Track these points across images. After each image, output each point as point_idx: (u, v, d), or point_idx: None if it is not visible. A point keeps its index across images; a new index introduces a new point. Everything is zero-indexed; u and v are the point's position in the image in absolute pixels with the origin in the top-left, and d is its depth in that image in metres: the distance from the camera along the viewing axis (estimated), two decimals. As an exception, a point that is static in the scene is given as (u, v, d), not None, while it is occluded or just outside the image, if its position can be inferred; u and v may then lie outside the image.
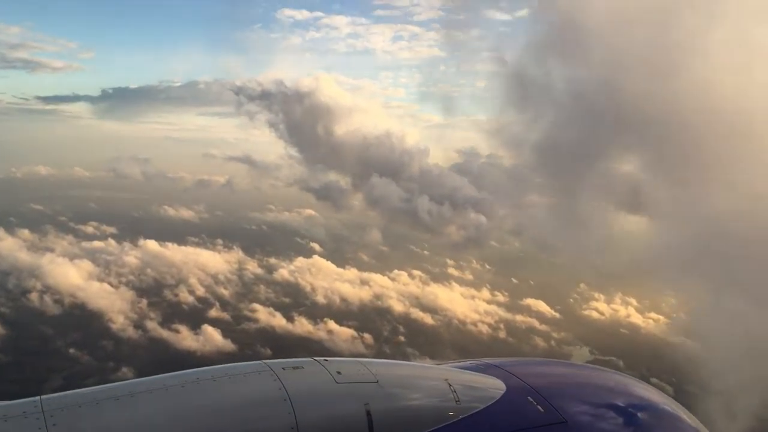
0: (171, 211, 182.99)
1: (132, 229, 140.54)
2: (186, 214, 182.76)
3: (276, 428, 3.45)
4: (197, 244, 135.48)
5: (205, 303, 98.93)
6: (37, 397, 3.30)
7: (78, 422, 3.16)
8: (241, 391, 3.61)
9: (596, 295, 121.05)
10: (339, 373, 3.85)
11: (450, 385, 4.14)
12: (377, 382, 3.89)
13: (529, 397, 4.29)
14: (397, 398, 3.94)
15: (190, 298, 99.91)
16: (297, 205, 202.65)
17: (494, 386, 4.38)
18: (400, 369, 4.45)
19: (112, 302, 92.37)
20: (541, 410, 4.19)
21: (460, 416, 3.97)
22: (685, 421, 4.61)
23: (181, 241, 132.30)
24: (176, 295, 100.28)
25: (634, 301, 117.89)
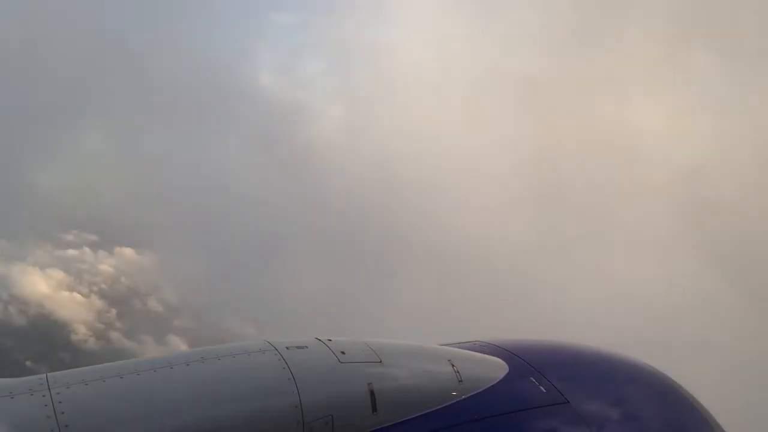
0: (158, 218, 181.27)
1: (116, 236, 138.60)
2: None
3: (280, 407, 3.49)
4: (177, 250, 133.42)
5: (175, 312, 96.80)
6: (43, 374, 3.32)
7: (83, 399, 3.20)
8: (245, 369, 3.64)
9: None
10: (343, 352, 3.86)
11: (453, 365, 4.15)
12: (380, 361, 3.91)
13: (531, 378, 4.31)
14: (401, 378, 3.97)
15: (160, 308, 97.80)
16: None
17: (497, 366, 4.40)
18: (403, 349, 4.43)
19: (78, 312, 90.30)
20: (544, 390, 4.21)
21: (463, 396, 4.01)
22: (688, 402, 4.59)
23: (163, 247, 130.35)
24: (146, 305, 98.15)
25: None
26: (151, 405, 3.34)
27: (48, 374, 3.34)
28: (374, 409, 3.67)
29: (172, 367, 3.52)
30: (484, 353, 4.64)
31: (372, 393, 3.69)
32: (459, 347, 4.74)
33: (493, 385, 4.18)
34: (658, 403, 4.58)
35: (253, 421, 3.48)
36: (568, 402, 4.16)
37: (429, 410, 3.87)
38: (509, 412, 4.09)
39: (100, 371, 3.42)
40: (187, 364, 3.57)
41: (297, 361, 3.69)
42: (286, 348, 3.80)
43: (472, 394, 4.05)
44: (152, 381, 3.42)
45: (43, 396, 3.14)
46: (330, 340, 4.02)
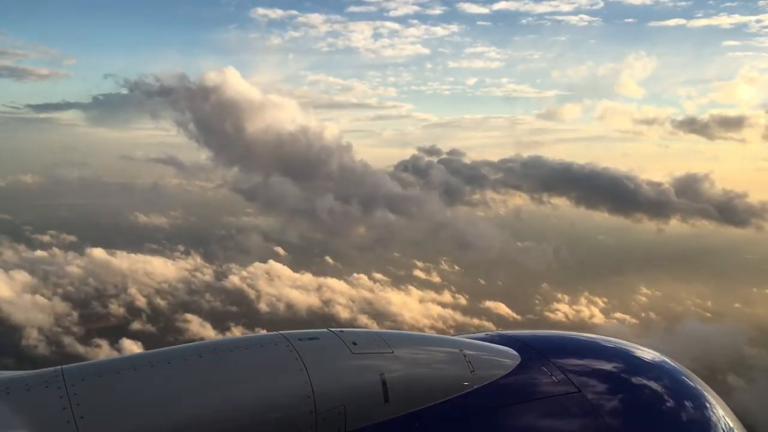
0: (142, 218, 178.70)
1: (94, 237, 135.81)
2: (158, 220, 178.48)
3: (293, 397, 3.54)
4: (154, 252, 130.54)
5: (136, 315, 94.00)
6: (59, 367, 3.38)
7: (99, 392, 3.27)
8: (258, 361, 3.66)
9: (560, 296, 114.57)
10: (354, 343, 3.90)
11: (465, 356, 4.18)
12: (392, 352, 3.95)
13: (543, 368, 4.35)
14: (412, 368, 4.00)
15: (121, 310, 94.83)
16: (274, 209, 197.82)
17: (509, 357, 4.42)
18: (415, 340, 4.48)
19: (35, 316, 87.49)
20: (555, 380, 4.26)
21: (475, 386, 4.05)
22: (701, 392, 4.58)
23: (139, 248, 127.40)
24: (106, 307, 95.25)
25: (600, 301, 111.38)
26: (165, 396, 3.34)
27: (63, 367, 3.38)
28: (386, 399, 3.69)
29: (186, 359, 3.54)
30: (497, 344, 4.64)
31: (384, 383, 3.72)
32: (472, 338, 4.75)
33: (504, 375, 4.20)
34: (670, 394, 4.53)
35: (267, 412, 3.49)
36: (580, 391, 4.17)
37: (441, 400, 3.89)
38: (521, 402, 4.10)
39: (115, 364, 3.49)
40: (200, 356, 3.57)
41: (309, 352, 3.71)
42: (299, 339, 3.81)
43: (483, 384, 4.07)
44: (166, 372, 3.44)
45: (59, 388, 3.18)
46: (342, 331, 4.04)
